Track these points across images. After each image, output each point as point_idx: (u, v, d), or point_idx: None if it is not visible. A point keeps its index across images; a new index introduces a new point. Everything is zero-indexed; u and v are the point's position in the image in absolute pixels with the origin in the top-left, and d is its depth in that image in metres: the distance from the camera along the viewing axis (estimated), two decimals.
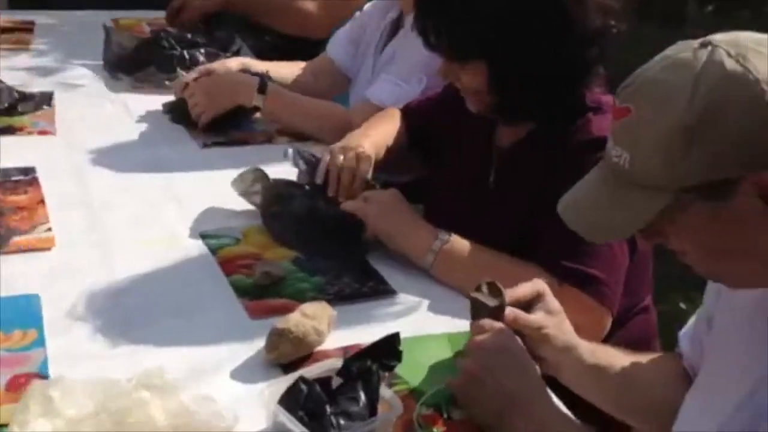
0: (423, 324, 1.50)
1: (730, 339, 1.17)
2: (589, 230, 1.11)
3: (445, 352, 1.41)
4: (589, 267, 1.49)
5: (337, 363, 1.28)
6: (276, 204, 1.74)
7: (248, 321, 1.48)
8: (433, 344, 1.43)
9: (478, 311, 1.30)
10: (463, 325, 1.46)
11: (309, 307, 1.41)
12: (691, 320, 1.35)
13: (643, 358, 1.36)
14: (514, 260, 1.55)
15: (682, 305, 3.11)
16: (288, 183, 1.77)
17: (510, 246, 1.59)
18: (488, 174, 1.69)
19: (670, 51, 1.04)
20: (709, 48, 0.99)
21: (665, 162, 0.97)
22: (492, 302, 1.29)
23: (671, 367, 1.33)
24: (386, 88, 2.14)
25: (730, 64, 0.96)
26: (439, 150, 1.85)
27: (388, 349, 1.29)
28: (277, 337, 1.35)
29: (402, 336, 1.38)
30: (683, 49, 1.02)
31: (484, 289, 1.31)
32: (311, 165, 1.79)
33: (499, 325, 1.25)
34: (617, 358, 1.33)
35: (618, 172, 1.03)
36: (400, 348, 1.30)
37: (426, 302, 1.56)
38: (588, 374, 1.31)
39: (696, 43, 1.01)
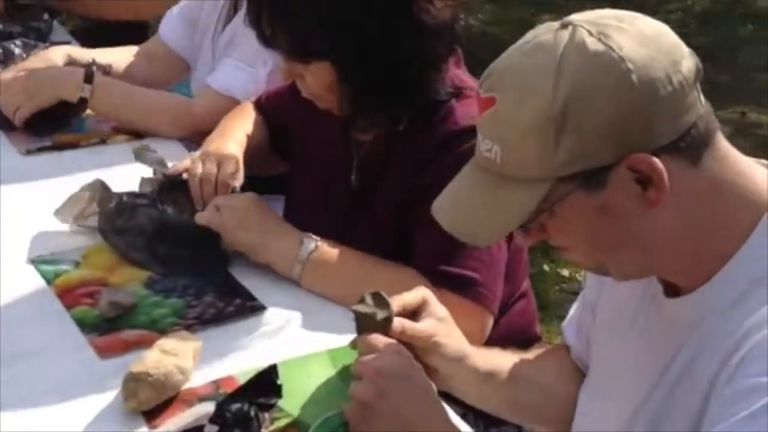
0: (299, 342, 1.35)
1: (620, 332, 1.12)
2: (468, 233, 1.03)
3: (328, 373, 1.27)
4: (467, 269, 1.40)
5: (209, 407, 1.12)
6: (119, 218, 1.53)
7: (99, 362, 1.29)
8: (313, 365, 1.29)
9: (364, 325, 1.17)
10: (344, 338, 1.33)
11: (168, 342, 1.24)
12: (573, 310, 1.29)
13: (531, 355, 1.29)
14: (389, 264, 1.44)
15: (546, 267, 3.11)
16: (130, 193, 1.57)
17: (381, 249, 1.47)
18: (349, 172, 1.55)
19: (529, 35, 0.98)
20: (570, 28, 0.93)
21: (537, 152, 0.92)
22: (380, 314, 1.15)
23: (562, 363, 1.27)
24: (229, 73, 1.95)
25: (591, 43, 0.91)
26: (297, 146, 1.69)
27: (266, 385, 1.14)
28: (134, 383, 1.17)
29: (278, 360, 1.24)
30: (543, 32, 0.96)
31: (369, 300, 1.17)
32: (158, 166, 1.59)
33: (392, 342, 1.12)
34: (506, 360, 1.25)
35: (490, 166, 0.96)
36: (279, 382, 1.15)
37: (300, 316, 1.41)
38: (483, 382, 1.22)
39: (556, 24, 0.96)
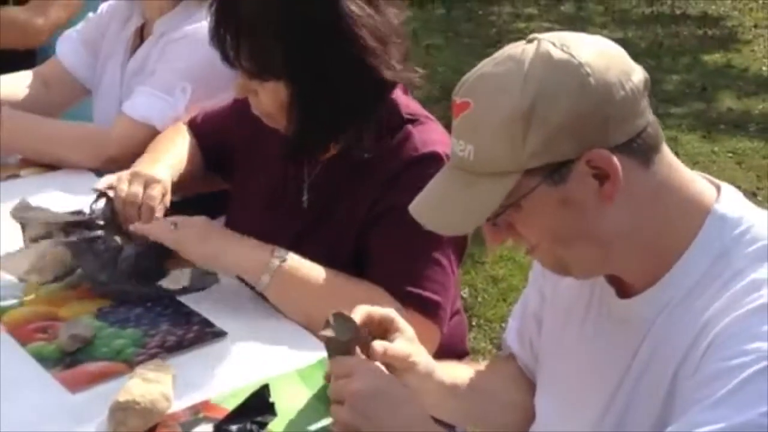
0: (265, 365, 1.37)
1: (569, 340, 1.19)
2: (442, 225, 1.10)
3: (301, 393, 1.31)
4: (430, 291, 1.46)
5: (205, 429, 1.13)
6: (102, 273, 1.50)
7: (70, 396, 1.27)
8: (286, 386, 1.31)
9: (333, 349, 1.16)
10: (308, 356, 1.37)
11: (147, 371, 1.24)
12: (513, 321, 1.36)
13: (483, 366, 1.35)
14: (358, 282, 1.48)
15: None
16: (85, 239, 1.52)
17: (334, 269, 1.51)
18: (300, 193, 1.59)
19: (500, 51, 1.08)
20: (536, 42, 1.04)
21: (507, 147, 1.01)
22: (344, 336, 1.15)
23: (513, 372, 1.33)
24: (146, 102, 1.94)
25: (555, 52, 1.02)
26: (241, 165, 1.71)
27: (260, 404, 1.17)
28: (122, 413, 1.17)
29: (249, 382, 1.27)
30: (513, 47, 1.07)
31: (332, 321, 1.16)
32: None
33: (361, 360, 1.14)
34: (464, 372, 1.30)
35: (464, 165, 1.05)
36: (272, 400, 1.18)
37: (260, 340, 1.43)
38: (449, 396, 1.26)
39: (523, 41, 1.06)
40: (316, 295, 1.44)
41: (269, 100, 1.48)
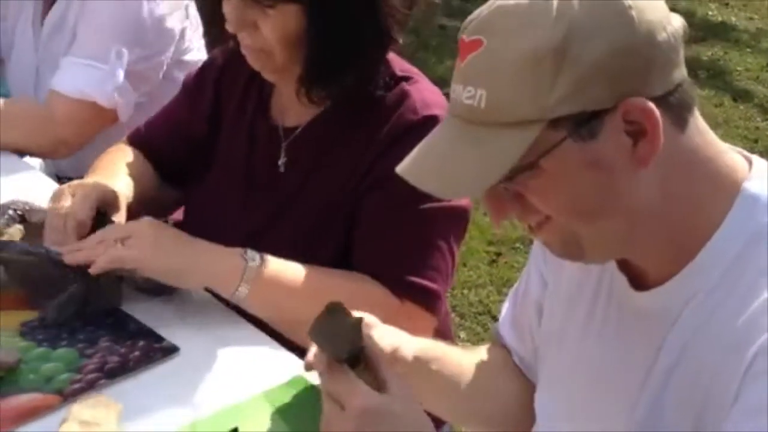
0: (226, 385, 1.18)
1: (575, 335, 1.06)
2: (444, 185, 0.92)
3: (270, 421, 1.12)
4: (429, 280, 1.30)
5: None
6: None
7: None
8: (254, 413, 1.12)
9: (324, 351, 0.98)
10: (273, 374, 1.18)
11: (85, 410, 1.03)
12: (508, 311, 1.22)
13: (477, 356, 1.21)
14: (343, 274, 1.30)
15: None
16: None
17: (306, 241, 1.33)
18: (276, 155, 1.39)
19: None
20: None
21: (530, 90, 0.86)
22: (343, 351, 0.95)
23: (505, 363, 1.21)
24: (78, 74, 1.71)
25: None
26: (200, 161, 1.50)
27: None
28: None
29: (212, 410, 1.11)
30: None
31: (327, 317, 0.96)
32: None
33: (358, 397, 0.93)
34: (459, 364, 1.18)
35: (472, 115, 0.88)
36: None
37: (218, 354, 1.23)
38: (445, 393, 1.16)
39: None
40: (303, 298, 1.24)
41: (273, 31, 1.26)
